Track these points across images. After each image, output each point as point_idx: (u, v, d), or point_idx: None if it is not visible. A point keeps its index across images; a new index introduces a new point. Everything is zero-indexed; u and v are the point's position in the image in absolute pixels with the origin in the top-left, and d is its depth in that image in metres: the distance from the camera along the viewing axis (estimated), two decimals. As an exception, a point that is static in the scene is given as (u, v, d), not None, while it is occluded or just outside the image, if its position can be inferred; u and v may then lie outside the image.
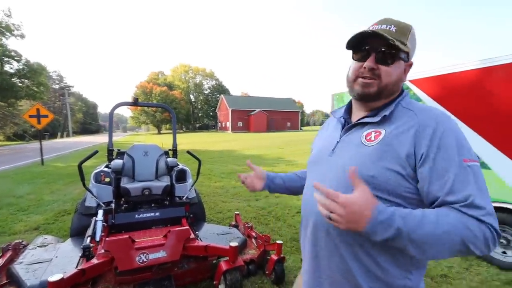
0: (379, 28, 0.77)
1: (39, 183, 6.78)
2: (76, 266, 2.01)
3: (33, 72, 23.28)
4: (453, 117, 3.07)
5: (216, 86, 65.46)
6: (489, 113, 2.80)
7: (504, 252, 2.81)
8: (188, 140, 25.61)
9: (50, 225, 3.80)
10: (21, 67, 23.05)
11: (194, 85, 63.25)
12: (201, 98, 64.68)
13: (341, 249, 0.76)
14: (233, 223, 3.31)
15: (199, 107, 65.26)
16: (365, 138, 0.78)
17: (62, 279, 1.61)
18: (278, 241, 2.41)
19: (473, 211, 0.63)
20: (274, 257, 2.34)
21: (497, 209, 2.79)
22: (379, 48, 0.76)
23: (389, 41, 0.73)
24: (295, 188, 1.17)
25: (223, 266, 2.05)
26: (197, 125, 65.55)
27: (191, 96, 63.58)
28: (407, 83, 3.54)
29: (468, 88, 2.97)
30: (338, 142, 0.85)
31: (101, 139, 35.27)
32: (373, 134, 0.77)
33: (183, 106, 55.14)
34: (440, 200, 0.67)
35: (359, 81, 0.80)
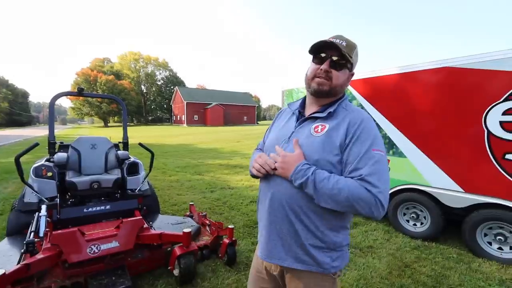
0: (336, 41, 0.99)
1: (-44, 183, 5.83)
2: (18, 263, 1.93)
3: None
4: (379, 114, 3.64)
5: (170, 78, 62.30)
6: (405, 112, 3.39)
7: (414, 224, 3.48)
8: (141, 134, 24.15)
9: (-22, 228, 3.39)
10: None
11: (146, 75, 59.12)
12: (154, 89, 60.98)
13: (290, 216, 0.99)
14: (188, 213, 3.42)
15: (152, 98, 61.48)
16: (314, 130, 1.01)
17: (4, 274, 1.56)
18: (230, 226, 2.62)
19: (365, 184, 0.88)
20: (226, 240, 2.55)
21: (410, 190, 3.44)
22: (333, 56, 0.99)
23: (342, 52, 0.96)
24: None
25: (177, 251, 2.18)
26: (150, 118, 61.75)
27: (143, 87, 59.44)
28: (345, 83, 4.02)
29: (390, 90, 3.53)
30: (293, 132, 1.06)
31: (34, 132, 30.99)
32: (320, 127, 1.00)
33: (133, 97, 51.34)
34: (348, 173, 0.93)
35: (316, 80, 1.02)
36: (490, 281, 2.46)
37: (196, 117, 46.59)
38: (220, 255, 2.61)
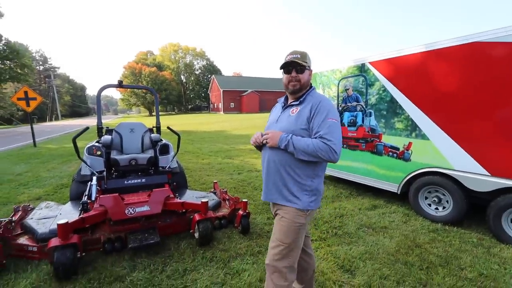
0: (293, 57, 1.52)
1: (34, 162, 7.13)
2: None
3: (16, 53, 22.55)
4: (401, 95, 3.54)
5: (207, 66, 64.10)
6: (430, 92, 3.25)
7: (436, 208, 3.40)
8: (180, 122, 25.74)
9: (51, 196, 4.25)
10: (1, 47, 22.25)
11: (185, 65, 61.71)
12: (192, 78, 63.51)
13: (280, 169, 1.51)
14: (212, 190, 3.82)
15: (191, 88, 64.21)
16: (291, 112, 1.55)
17: (67, 222, 2.09)
18: (243, 200, 2.93)
19: (323, 140, 1.38)
20: (241, 212, 2.86)
21: (432, 173, 3.35)
22: (296, 66, 1.52)
23: (299, 62, 1.50)
24: None
25: (196, 217, 2.57)
26: (189, 107, 64.86)
27: (182, 77, 62.28)
28: (367, 64, 3.94)
29: (414, 70, 3.40)
30: (279, 116, 1.60)
31: (91, 122, 34.94)
32: (294, 110, 1.53)
33: (174, 87, 54.23)
34: (313, 135, 1.44)
35: (291, 83, 1.54)
36: (507, 265, 2.39)
37: (232, 105, 47.70)
38: (236, 225, 2.94)
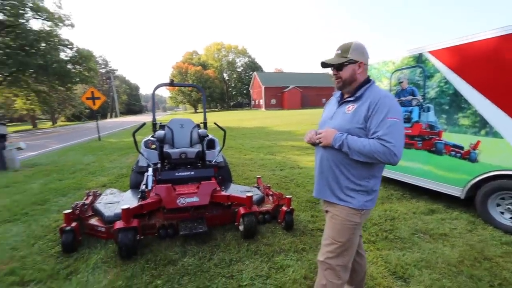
0: (335, 53, 1.47)
1: (99, 154, 8.09)
2: None
3: (84, 58, 25.71)
4: (468, 86, 3.13)
5: (249, 63, 65.05)
6: (505, 82, 2.81)
7: (511, 218, 2.95)
8: (223, 118, 26.66)
9: (113, 184, 4.78)
10: (73, 54, 25.61)
11: (227, 63, 63.59)
12: (234, 76, 65.13)
13: (333, 168, 1.45)
14: (255, 185, 3.88)
15: (233, 85, 65.95)
16: (346, 110, 1.44)
17: (129, 208, 2.34)
18: (287, 196, 2.92)
19: (381, 141, 1.28)
20: (285, 208, 2.86)
21: (506, 176, 2.90)
22: (330, 66, 1.48)
23: (333, 63, 1.44)
24: None
25: (242, 210, 2.65)
26: (231, 103, 66.73)
27: (225, 75, 64.29)
28: (425, 54, 3.56)
29: (484, 57, 2.97)
30: (334, 112, 1.52)
31: (145, 118, 38.19)
32: (350, 107, 1.43)
33: (217, 85, 56.29)
34: (370, 136, 1.34)
35: (335, 81, 1.49)
36: None
37: (273, 101, 47.69)
38: (279, 220, 2.95)
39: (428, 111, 3.61)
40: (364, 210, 1.43)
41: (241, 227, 2.68)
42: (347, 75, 1.43)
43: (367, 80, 1.46)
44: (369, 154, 1.29)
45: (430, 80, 3.54)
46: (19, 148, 6.42)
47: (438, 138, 3.51)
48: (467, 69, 3.15)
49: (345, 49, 1.42)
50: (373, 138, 1.31)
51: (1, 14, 21.14)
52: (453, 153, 3.35)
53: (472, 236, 2.84)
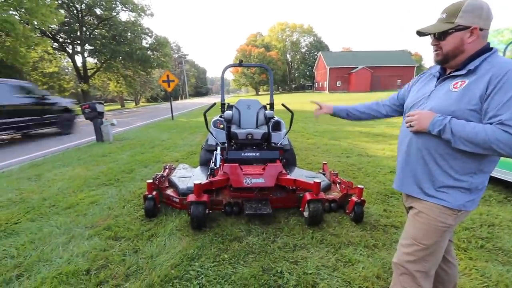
0: (438, 17, 1.14)
1: (172, 132, 8.97)
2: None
3: (161, 44, 28.49)
4: None
5: (314, 43, 61.78)
6: None
7: None
8: (284, 100, 26.09)
9: (185, 159, 5.23)
10: (152, 41, 28.58)
11: (291, 43, 61.64)
12: (298, 57, 63.02)
13: (426, 158, 1.19)
14: (321, 171, 3.68)
15: (296, 67, 64.10)
16: (453, 87, 1.12)
17: (200, 183, 2.48)
18: (359, 186, 2.66)
19: (504, 127, 0.97)
20: (355, 199, 2.62)
21: None
22: (434, 33, 1.14)
23: (423, 31, 1.16)
24: (354, 116, 1.75)
25: (308, 196, 2.53)
26: (293, 86, 65.30)
27: (288, 56, 62.80)
28: None
29: None
30: (432, 91, 1.20)
31: (211, 100, 40.78)
32: (459, 83, 1.10)
33: (279, 66, 55.58)
34: (487, 120, 1.03)
35: (434, 53, 1.18)
36: None
37: (339, 83, 44.75)
38: (347, 211, 2.73)
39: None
40: (462, 212, 1.16)
41: (305, 213, 2.58)
42: (450, 46, 1.11)
43: (486, 49, 1.09)
44: (484, 143, 0.99)
45: None
46: (112, 124, 7.55)
47: None
48: None
49: (452, 12, 1.09)
50: (490, 123, 1.00)
51: (99, 9, 24.83)
52: None
53: None
